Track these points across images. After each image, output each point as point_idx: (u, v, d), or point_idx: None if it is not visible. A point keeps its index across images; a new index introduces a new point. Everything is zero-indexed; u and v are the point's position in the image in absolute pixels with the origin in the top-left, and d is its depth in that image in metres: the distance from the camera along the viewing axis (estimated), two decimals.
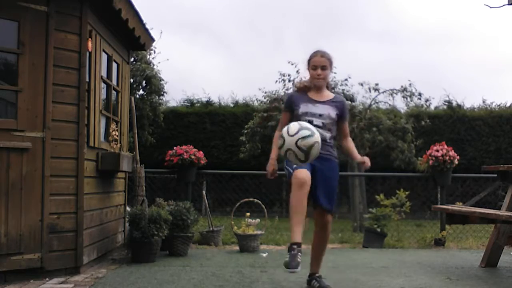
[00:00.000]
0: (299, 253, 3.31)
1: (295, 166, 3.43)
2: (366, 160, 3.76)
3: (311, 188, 3.48)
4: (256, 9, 24.60)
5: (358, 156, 3.84)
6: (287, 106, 3.91)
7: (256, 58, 23.49)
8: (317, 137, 3.27)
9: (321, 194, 3.68)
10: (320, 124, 3.71)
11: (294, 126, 3.30)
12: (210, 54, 23.63)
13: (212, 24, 24.20)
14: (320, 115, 3.74)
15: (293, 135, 3.23)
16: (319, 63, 3.82)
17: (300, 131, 3.24)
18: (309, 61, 3.86)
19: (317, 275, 3.93)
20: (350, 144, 3.94)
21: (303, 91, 3.88)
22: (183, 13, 24.78)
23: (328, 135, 3.75)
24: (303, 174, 3.38)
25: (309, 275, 3.98)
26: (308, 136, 3.23)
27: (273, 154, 3.81)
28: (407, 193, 6.73)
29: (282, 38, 23.43)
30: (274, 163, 3.80)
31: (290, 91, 10.59)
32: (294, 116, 3.76)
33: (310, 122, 3.62)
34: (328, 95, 3.88)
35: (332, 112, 3.78)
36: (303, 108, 3.75)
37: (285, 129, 3.32)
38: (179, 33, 23.82)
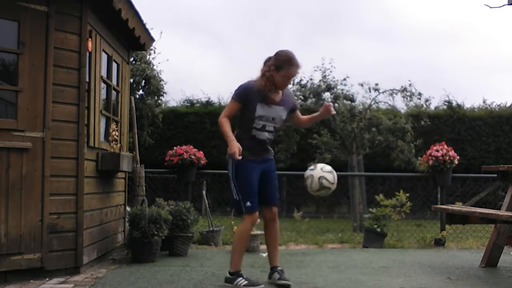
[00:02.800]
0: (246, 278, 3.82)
1: (248, 204, 3.77)
2: (326, 104, 3.96)
3: (262, 191, 3.88)
4: (253, 7, 24.60)
5: (317, 114, 4.09)
6: (241, 98, 3.79)
7: (253, 58, 23.52)
8: (333, 188, 3.80)
9: (272, 193, 3.99)
10: (272, 129, 3.89)
11: (330, 169, 3.81)
12: (207, 53, 23.65)
13: (209, 23, 24.20)
14: (273, 119, 3.87)
15: (324, 171, 3.78)
16: (294, 75, 3.97)
17: (330, 174, 3.80)
18: (283, 66, 3.76)
19: (278, 268, 4.03)
20: (305, 117, 4.19)
21: (256, 83, 3.84)
22: (178, 12, 24.77)
23: (272, 136, 3.96)
24: (253, 219, 3.85)
25: (271, 268, 4.07)
26: (330, 183, 3.78)
27: (231, 135, 3.75)
28: (407, 195, 6.73)
29: (279, 37, 23.43)
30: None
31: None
32: (247, 116, 3.80)
33: (264, 127, 3.83)
34: (280, 93, 3.92)
35: (284, 113, 3.94)
36: (259, 110, 3.79)
37: (323, 164, 3.89)
38: (175, 32, 23.82)
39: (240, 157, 3.64)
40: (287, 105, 3.95)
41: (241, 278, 3.79)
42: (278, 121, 3.90)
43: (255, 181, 3.83)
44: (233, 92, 3.84)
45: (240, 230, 3.86)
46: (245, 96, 3.78)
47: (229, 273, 3.87)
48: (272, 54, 3.88)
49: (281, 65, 3.76)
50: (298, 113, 4.18)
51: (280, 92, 3.91)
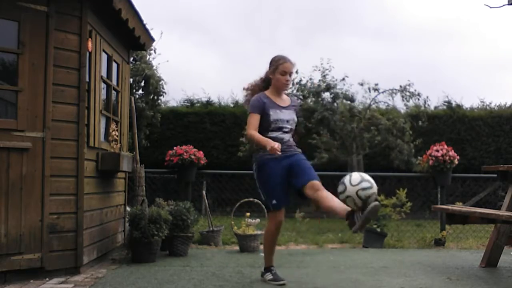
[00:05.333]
0: (276, 271, 4.08)
1: (274, 201, 3.90)
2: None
3: (295, 177, 3.91)
4: (251, 6, 24.59)
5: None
6: (259, 109, 3.98)
7: (251, 57, 23.48)
8: (375, 188, 3.58)
9: (305, 172, 3.92)
10: (288, 130, 4.04)
11: (356, 177, 3.58)
12: (205, 52, 23.63)
13: (206, 22, 24.17)
14: (287, 121, 4.05)
15: (355, 185, 3.51)
16: (289, 70, 4.07)
17: (361, 183, 3.54)
18: (277, 65, 4.03)
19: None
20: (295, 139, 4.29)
21: (263, 94, 4.08)
22: (175, 10, 24.74)
23: (291, 138, 4.09)
24: (282, 216, 3.97)
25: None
26: (368, 188, 3.51)
27: (264, 137, 3.86)
28: (405, 190, 6.72)
29: (278, 37, 23.43)
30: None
31: (288, 91, 10.59)
32: (265, 121, 3.98)
33: (281, 128, 3.98)
34: (287, 99, 4.16)
35: (294, 116, 4.12)
36: (273, 114, 4.00)
37: (347, 177, 3.60)
38: (172, 31, 23.79)
39: (280, 153, 3.71)
40: (294, 109, 4.16)
41: (269, 273, 4.08)
42: (291, 122, 4.08)
43: (279, 179, 3.92)
44: (249, 108, 4.02)
45: (267, 229, 4.07)
46: (262, 107, 3.98)
47: (263, 268, 4.16)
48: (270, 53, 4.16)
49: (275, 66, 4.04)
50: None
51: (286, 99, 4.15)
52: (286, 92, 4.21)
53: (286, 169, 3.94)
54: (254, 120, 3.96)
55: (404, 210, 6.63)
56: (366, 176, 3.61)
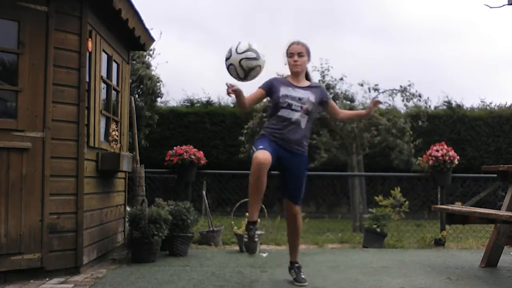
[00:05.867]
0: (256, 233, 3.78)
1: (260, 146, 3.65)
2: (375, 101, 4.04)
3: (282, 182, 3.89)
4: (249, 5, 24.58)
5: (363, 111, 4.15)
6: (265, 87, 3.94)
7: None
8: (261, 62, 3.50)
9: (291, 190, 3.95)
10: (299, 108, 3.85)
11: (243, 45, 3.51)
12: (206, 52, 23.62)
13: (206, 21, 24.15)
14: (300, 99, 3.88)
15: (240, 53, 3.46)
16: (295, 50, 3.98)
17: (247, 52, 3.45)
18: (286, 51, 4.02)
19: (296, 265, 4.10)
20: (346, 112, 4.21)
21: (282, 77, 4.10)
22: (175, 10, 24.73)
23: (303, 120, 3.86)
24: (263, 155, 3.57)
25: (290, 262, 4.17)
26: (253, 58, 3.46)
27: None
28: (399, 189, 6.71)
29: (277, 36, 23.42)
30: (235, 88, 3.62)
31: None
32: (274, 100, 3.89)
33: (290, 105, 3.81)
34: (306, 82, 4.05)
35: (311, 96, 3.92)
36: (283, 90, 3.88)
37: (234, 44, 3.50)
38: (172, 31, 23.78)
39: (231, 91, 3.55)
40: (315, 91, 3.99)
41: (247, 232, 3.85)
42: (306, 102, 3.87)
43: (272, 146, 3.76)
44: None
45: (249, 178, 3.64)
46: (270, 86, 3.94)
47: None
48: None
49: (285, 52, 4.03)
50: (333, 104, 4.18)
51: (305, 81, 4.04)
52: (312, 80, 4.14)
53: (281, 161, 3.81)
54: (254, 92, 3.94)
55: (403, 209, 6.63)
56: (254, 45, 3.52)
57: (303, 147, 3.92)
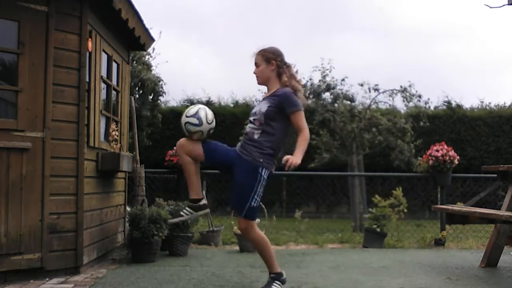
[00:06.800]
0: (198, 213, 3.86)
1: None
2: (287, 158, 3.47)
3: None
4: (248, 4, 24.57)
5: (289, 156, 3.54)
6: None
7: (247, 57, 23.42)
8: (204, 128, 3.68)
9: (232, 199, 3.74)
10: (252, 122, 3.68)
11: (193, 110, 3.73)
12: (206, 52, 23.61)
13: (206, 21, 24.15)
14: (254, 113, 3.68)
15: (187, 116, 3.71)
16: (255, 61, 3.81)
17: (190, 118, 3.70)
18: None
19: (271, 275, 3.70)
20: (298, 141, 3.60)
21: None
22: (174, 10, 24.73)
23: (255, 132, 3.61)
24: (184, 140, 3.76)
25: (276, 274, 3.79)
26: (195, 125, 3.68)
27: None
28: (400, 189, 6.71)
29: (277, 36, 23.41)
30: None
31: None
32: None
33: (250, 120, 3.71)
34: (274, 88, 3.72)
35: (264, 107, 3.61)
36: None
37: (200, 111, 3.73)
38: (172, 31, 23.77)
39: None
40: (272, 99, 3.64)
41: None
42: (257, 114, 3.63)
43: (220, 147, 3.78)
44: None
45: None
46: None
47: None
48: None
49: None
50: (294, 119, 3.63)
51: (273, 89, 3.73)
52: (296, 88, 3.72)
53: (233, 167, 3.64)
54: None
55: (402, 209, 6.62)
56: (206, 116, 3.71)
57: (250, 153, 3.58)
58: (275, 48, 3.83)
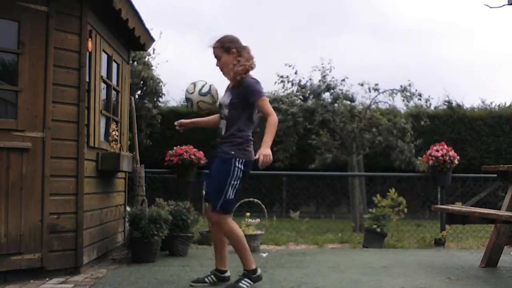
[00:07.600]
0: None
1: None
2: (258, 155, 3.48)
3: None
4: (247, 3, 24.55)
5: (260, 150, 3.51)
6: None
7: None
8: (193, 96, 3.78)
9: (210, 192, 3.76)
10: (224, 116, 3.75)
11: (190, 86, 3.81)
12: (205, 52, 23.57)
13: (205, 21, 24.15)
14: (225, 105, 3.72)
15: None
16: (214, 56, 3.79)
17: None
18: None
19: (244, 271, 3.75)
20: (266, 127, 3.58)
21: None
22: (174, 10, 24.71)
23: (222, 128, 3.73)
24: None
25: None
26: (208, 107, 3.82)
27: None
28: (394, 190, 6.70)
29: (277, 35, 23.41)
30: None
31: (288, 91, 10.63)
32: None
33: (220, 113, 3.79)
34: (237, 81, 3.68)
35: (227, 99, 3.70)
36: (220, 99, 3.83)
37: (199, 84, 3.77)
38: (172, 31, 23.76)
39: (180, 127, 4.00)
40: (235, 92, 3.69)
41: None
42: (223, 107, 3.75)
43: None
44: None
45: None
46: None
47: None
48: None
49: None
50: (260, 106, 3.65)
51: (235, 82, 3.71)
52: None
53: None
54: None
55: (402, 209, 6.62)
56: (215, 96, 3.76)
57: (222, 150, 3.68)
58: (230, 35, 3.80)
